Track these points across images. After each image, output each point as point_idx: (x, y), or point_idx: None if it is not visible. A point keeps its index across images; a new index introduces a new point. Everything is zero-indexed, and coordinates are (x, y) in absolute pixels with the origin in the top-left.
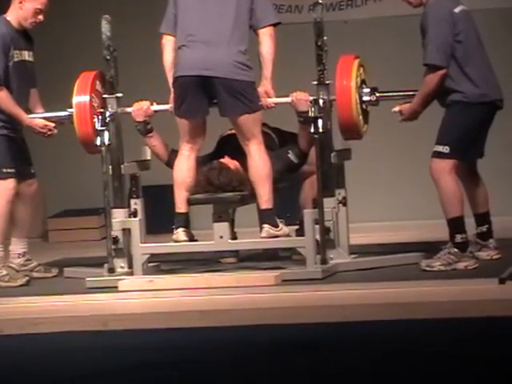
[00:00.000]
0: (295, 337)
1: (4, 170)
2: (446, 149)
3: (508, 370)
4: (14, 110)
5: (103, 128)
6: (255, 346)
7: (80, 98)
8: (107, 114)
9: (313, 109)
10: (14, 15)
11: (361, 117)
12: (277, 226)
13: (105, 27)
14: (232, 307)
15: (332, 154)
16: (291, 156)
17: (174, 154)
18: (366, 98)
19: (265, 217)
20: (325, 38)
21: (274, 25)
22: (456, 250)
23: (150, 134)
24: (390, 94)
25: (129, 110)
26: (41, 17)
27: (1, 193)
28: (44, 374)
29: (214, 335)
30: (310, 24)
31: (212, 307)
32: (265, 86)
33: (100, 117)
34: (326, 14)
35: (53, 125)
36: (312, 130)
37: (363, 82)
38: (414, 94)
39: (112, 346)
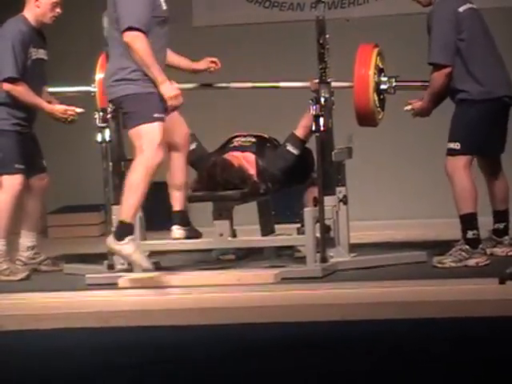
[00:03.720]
0: (295, 335)
1: (16, 166)
2: (457, 145)
3: (507, 370)
4: (34, 101)
5: (104, 125)
6: (255, 344)
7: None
8: (108, 110)
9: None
10: (31, 13)
11: (378, 106)
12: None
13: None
14: (231, 305)
15: (333, 153)
16: (290, 148)
17: (192, 137)
18: (383, 87)
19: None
20: (327, 35)
21: (133, 28)
22: (467, 246)
23: None
24: (408, 83)
25: None
26: (59, 9)
27: (8, 187)
28: (44, 371)
29: (213, 333)
30: (312, 22)
31: (211, 305)
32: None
33: (101, 113)
34: (327, 11)
35: (72, 108)
36: (314, 128)
37: (381, 70)
38: None
39: (111, 343)
